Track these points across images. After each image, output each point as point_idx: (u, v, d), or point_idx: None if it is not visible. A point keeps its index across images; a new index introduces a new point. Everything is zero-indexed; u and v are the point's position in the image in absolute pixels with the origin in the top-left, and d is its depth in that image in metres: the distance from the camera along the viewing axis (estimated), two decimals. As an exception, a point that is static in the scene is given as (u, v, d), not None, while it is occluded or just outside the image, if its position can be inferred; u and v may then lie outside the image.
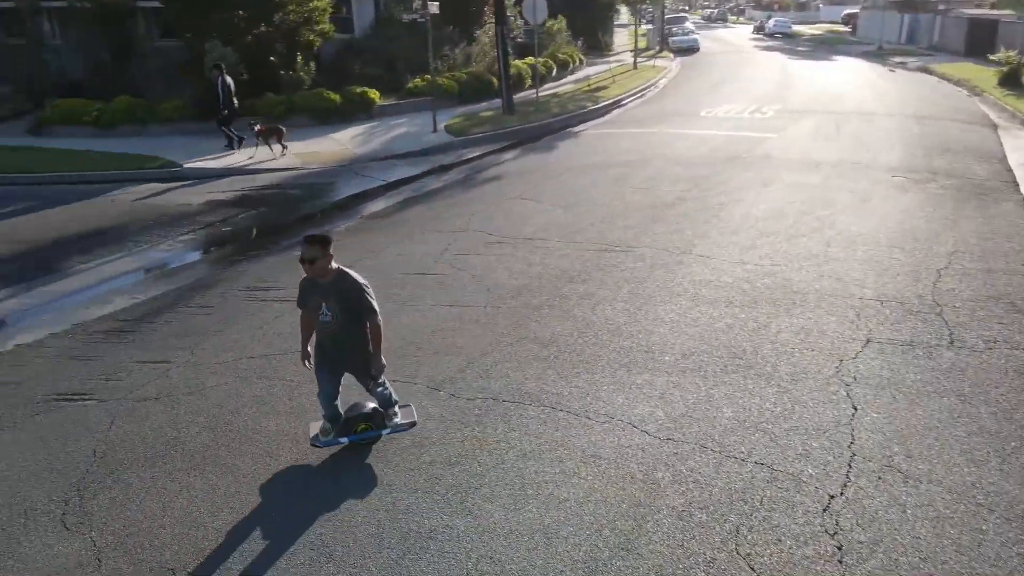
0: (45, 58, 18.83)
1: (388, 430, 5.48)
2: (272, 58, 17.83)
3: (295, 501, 4.91)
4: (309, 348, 5.27)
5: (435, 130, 17.52)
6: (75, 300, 8.56)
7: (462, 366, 6.60)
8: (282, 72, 17.95)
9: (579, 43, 32.20)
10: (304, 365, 5.27)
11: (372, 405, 5.50)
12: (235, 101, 15.43)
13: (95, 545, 4.56)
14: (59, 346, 7.32)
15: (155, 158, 14.51)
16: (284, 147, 15.33)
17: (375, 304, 5.02)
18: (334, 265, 4.95)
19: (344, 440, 5.39)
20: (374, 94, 18.98)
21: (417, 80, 20.39)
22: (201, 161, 14.71)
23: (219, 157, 15.02)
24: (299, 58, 18.12)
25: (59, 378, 6.62)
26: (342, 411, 5.42)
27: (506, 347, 6.93)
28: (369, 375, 5.23)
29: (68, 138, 16.18)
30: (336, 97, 18.20)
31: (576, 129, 18.78)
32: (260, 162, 14.76)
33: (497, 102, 20.51)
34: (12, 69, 19.25)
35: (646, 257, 9.00)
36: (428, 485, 5.02)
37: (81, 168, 13.93)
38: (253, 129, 15.24)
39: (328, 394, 5.29)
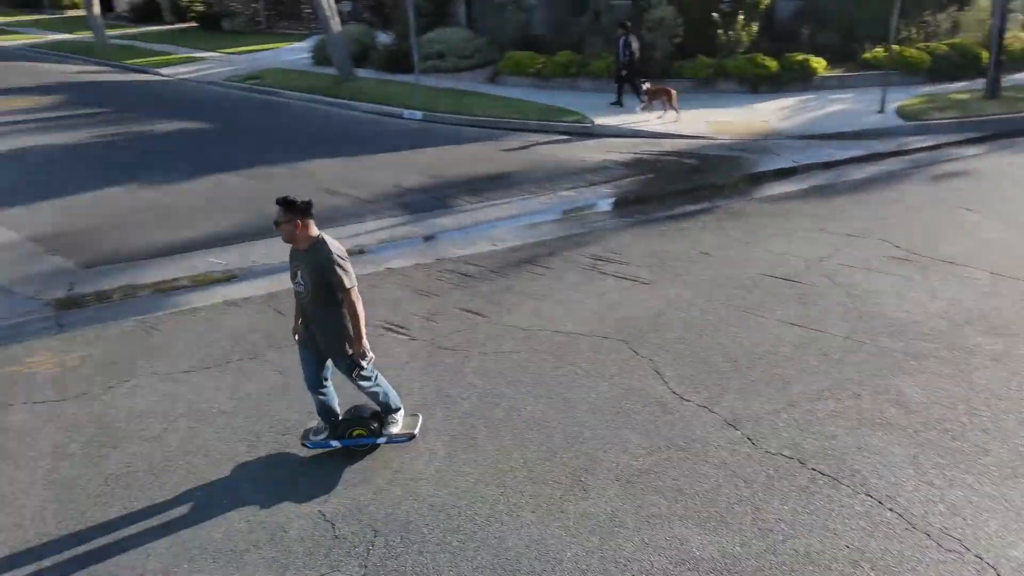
0: (516, 16, 20.88)
1: (384, 439, 4.87)
2: (714, 15, 16.93)
3: (513, 507, 4.37)
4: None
5: (881, 110, 14.78)
6: (448, 237, 9.22)
7: (779, 406, 5.24)
8: (720, 32, 16.96)
9: None
10: (295, 340, 4.84)
11: (374, 410, 4.89)
12: (635, 60, 15.37)
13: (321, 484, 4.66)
14: (415, 277, 7.89)
15: (573, 112, 15.01)
16: (676, 110, 14.58)
17: (347, 278, 4.46)
18: (314, 233, 4.52)
19: (335, 444, 4.85)
20: (817, 63, 16.77)
21: (877, 50, 17.41)
22: (613, 119, 14.77)
23: (630, 117, 14.89)
24: (740, 18, 16.87)
25: (397, 308, 7.11)
26: (338, 409, 4.87)
27: (850, 398, 5.31)
28: (348, 361, 4.58)
29: (513, 87, 17.78)
30: (772, 64, 16.54)
31: (1089, 126, 14.05)
32: (668, 125, 14.21)
33: (981, 83, 16.45)
34: (490, 23, 21.89)
35: None
36: (664, 545, 4.02)
37: (507, 115, 15.12)
38: (642, 89, 14.81)
39: (309, 379, 4.77)
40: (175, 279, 8.03)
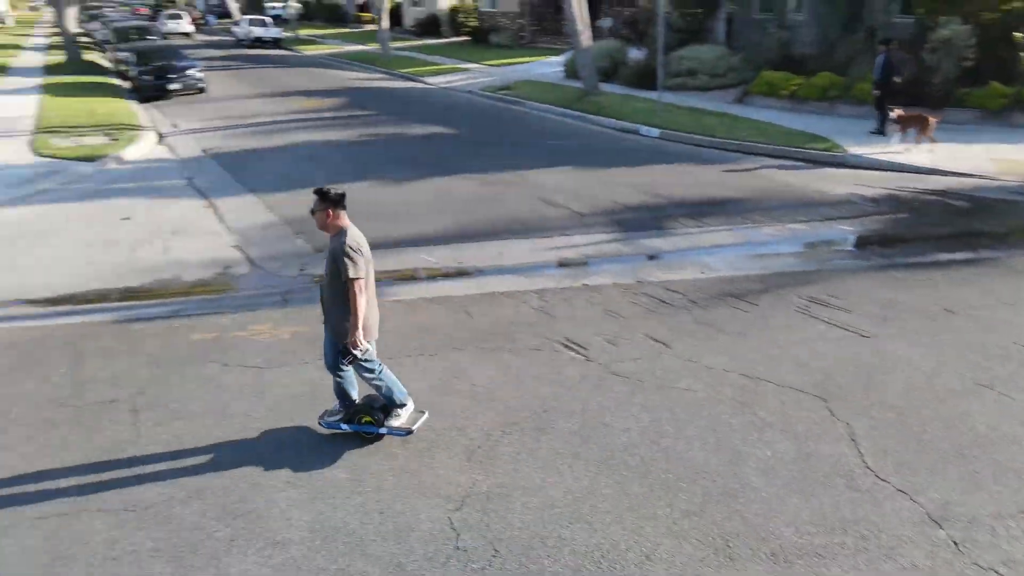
0: (777, 34, 19.57)
1: (385, 430, 5.06)
2: (1017, 35, 14.48)
3: (645, 558, 3.99)
4: None
5: None
6: (656, 259, 8.84)
7: (1007, 510, 4.26)
8: (1023, 54, 14.47)
9: None
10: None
11: (384, 402, 5.09)
12: (893, 83, 13.72)
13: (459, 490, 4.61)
14: (610, 296, 7.63)
15: (823, 139, 13.64)
16: (931, 140, 12.63)
17: (352, 269, 4.70)
18: (343, 224, 4.86)
19: (345, 427, 5.12)
20: None
21: None
22: (869, 149, 13.18)
23: (891, 148, 13.15)
24: (1052, 40, 14.26)
25: (581, 326, 6.91)
26: (354, 394, 5.13)
27: (1112, 518, 4.15)
28: (342, 348, 4.82)
29: (762, 109, 16.62)
30: (1090, 95, 13.79)
31: None
32: (936, 160, 12.36)
33: None
34: (749, 40, 20.80)
35: None
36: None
37: (748, 138, 14.13)
38: (891, 116, 12.96)
39: (327, 360, 5.10)
40: (387, 271, 8.55)
